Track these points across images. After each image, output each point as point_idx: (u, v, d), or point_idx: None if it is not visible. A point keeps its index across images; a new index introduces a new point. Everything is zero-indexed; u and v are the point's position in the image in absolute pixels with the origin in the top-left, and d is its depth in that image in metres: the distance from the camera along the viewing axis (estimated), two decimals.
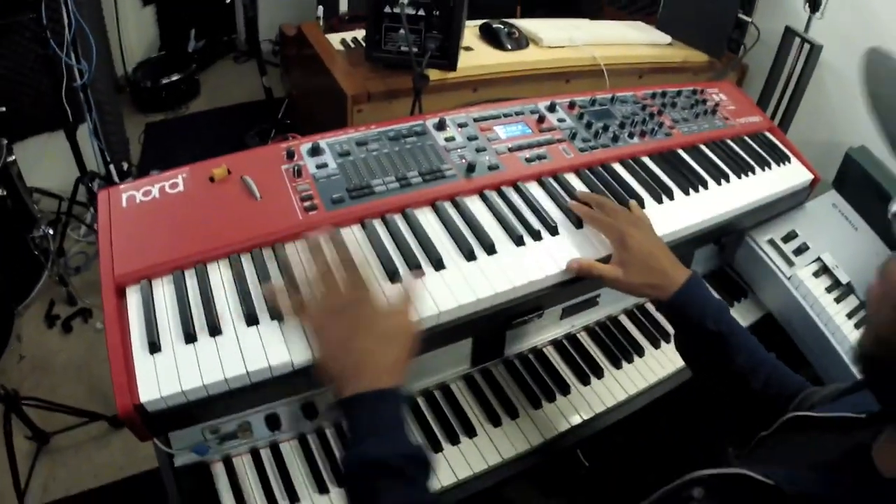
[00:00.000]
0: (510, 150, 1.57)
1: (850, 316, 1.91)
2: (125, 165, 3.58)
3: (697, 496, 0.90)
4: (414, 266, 1.25)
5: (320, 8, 2.62)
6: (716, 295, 1.36)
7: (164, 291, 1.17)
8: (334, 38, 2.32)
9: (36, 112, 3.27)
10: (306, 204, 1.32)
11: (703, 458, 1.42)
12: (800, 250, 1.98)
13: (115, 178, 3.37)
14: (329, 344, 1.04)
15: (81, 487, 2.54)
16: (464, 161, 1.49)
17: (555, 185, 1.54)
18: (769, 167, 1.92)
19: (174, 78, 4.29)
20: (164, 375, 1.04)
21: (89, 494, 2.53)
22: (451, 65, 2.03)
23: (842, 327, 1.85)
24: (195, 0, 4.56)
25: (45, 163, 3.38)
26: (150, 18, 4.47)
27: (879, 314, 0.76)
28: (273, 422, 1.38)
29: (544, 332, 1.72)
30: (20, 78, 3.14)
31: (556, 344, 1.73)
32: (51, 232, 3.02)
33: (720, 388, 1.36)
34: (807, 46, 2.53)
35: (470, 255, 1.30)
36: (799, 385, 1.27)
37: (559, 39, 2.41)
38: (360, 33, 2.37)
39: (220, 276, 1.20)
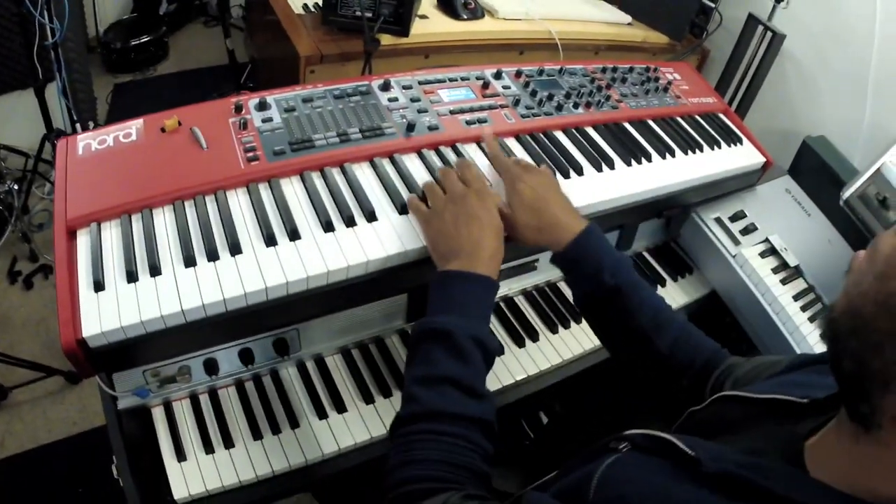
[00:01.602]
0: (451, 112, 1.59)
1: (796, 298, 1.92)
2: (91, 124, 3.55)
3: (622, 448, 0.90)
4: (346, 218, 1.29)
5: None
6: (617, 250, 1.36)
7: (111, 234, 1.21)
8: (297, 3, 2.33)
9: (6, 70, 3.27)
10: (249, 155, 1.35)
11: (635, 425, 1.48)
12: (747, 230, 2.00)
13: None
14: (444, 224, 1.21)
15: (36, 442, 2.57)
16: (404, 120, 1.52)
17: None
18: (718, 146, 1.94)
19: (144, 39, 4.28)
20: (105, 312, 1.08)
21: (42, 450, 2.56)
22: (404, 31, 2.06)
23: (787, 308, 1.86)
24: None
25: (14, 121, 3.38)
26: None
27: (860, 283, 0.71)
28: (211, 367, 1.41)
29: None
30: None
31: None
32: (16, 188, 3.03)
33: (623, 350, 1.31)
34: (769, 35, 2.56)
35: (402, 209, 1.34)
36: (712, 350, 1.23)
37: (515, 12, 2.43)
38: None
39: (164, 221, 1.24)
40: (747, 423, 0.94)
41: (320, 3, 2.36)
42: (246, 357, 1.43)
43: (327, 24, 2.09)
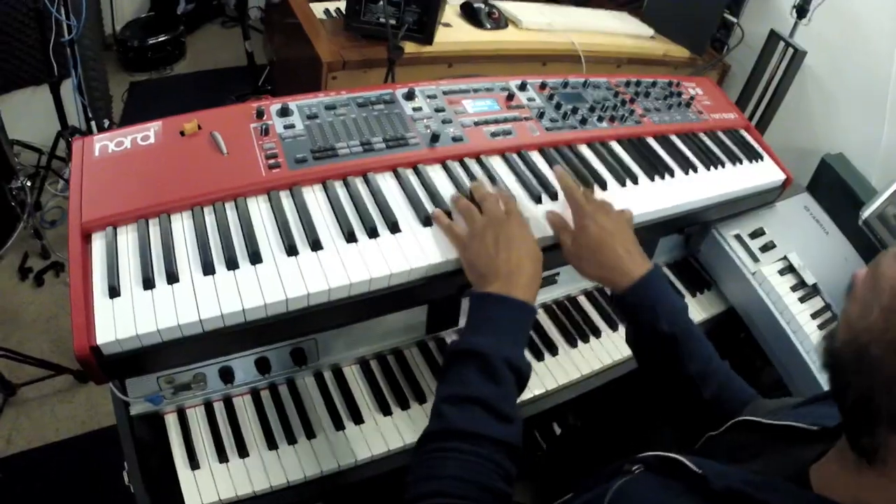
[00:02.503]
0: (476, 123, 1.58)
1: (814, 316, 1.91)
2: (106, 122, 3.56)
3: (635, 470, 0.93)
4: (369, 229, 1.27)
5: None
6: (675, 294, 1.32)
7: (127, 239, 1.19)
8: (318, 7, 2.32)
9: (22, 66, 3.26)
10: (270, 162, 1.33)
11: (649, 441, 1.46)
12: (766, 248, 1.99)
13: None
14: (485, 245, 1.20)
15: (43, 441, 2.56)
16: (428, 131, 1.50)
17: (518, 161, 1.55)
18: (740, 163, 1.92)
19: (161, 39, 4.27)
20: (120, 319, 1.06)
21: (49, 448, 2.54)
22: (428, 39, 2.05)
23: (804, 327, 1.85)
24: None
25: (28, 116, 3.37)
26: None
27: (865, 317, 0.70)
28: (227, 375, 1.39)
29: None
30: (9, 30, 3.11)
31: None
32: (29, 184, 3.01)
33: (668, 391, 1.31)
34: (790, 51, 2.54)
35: (426, 221, 1.32)
36: (749, 397, 1.23)
37: (539, 23, 2.41)
38: (343, 3, 2.37)
39: (182, 227, 1.22)
40: (760, 448, 0.95)
41: (342, 8, 2.35)
42: (262, 366, 1.41)
43: (349, 31, 2.08)
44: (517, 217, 1.27)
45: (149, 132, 1.37)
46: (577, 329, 1.77)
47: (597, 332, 1.78)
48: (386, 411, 1.46)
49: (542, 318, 1.78)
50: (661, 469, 0.89)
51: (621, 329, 1.80)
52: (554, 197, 1.49)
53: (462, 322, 1.65)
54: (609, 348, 1.76)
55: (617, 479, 0.88)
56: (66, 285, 3.10)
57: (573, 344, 1.73)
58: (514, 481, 0.99)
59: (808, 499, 0.75)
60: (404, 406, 1.48)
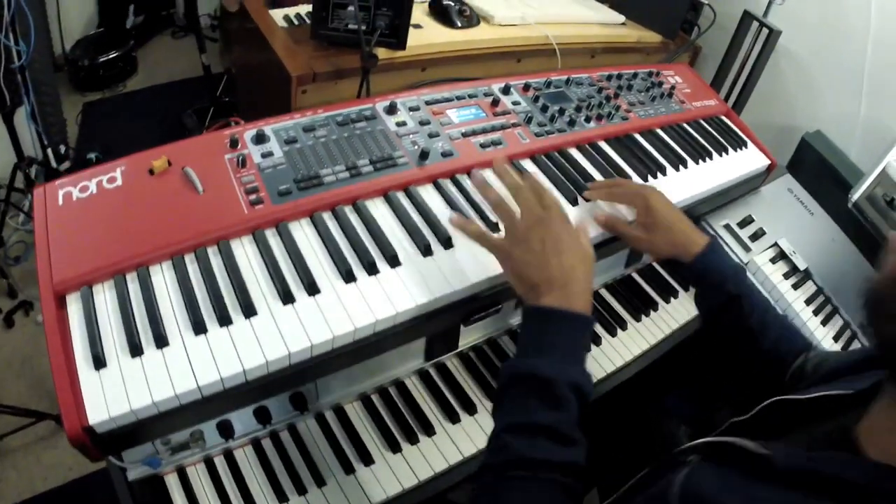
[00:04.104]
0: (464, 135, 1.51)
1: (808, 302, 1.93)
2: (63, 148, 3.45)
3: (692, 461, 0.96)
4: (368, 265, 1.19)
5: None
6: (732, 259, 1.46)
7: (105, 298, 1.09)
8: (277, 14, 2.22)
9: None
10: (252, 197, 1.24)
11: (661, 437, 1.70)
12: (756, 235, 2.00)
13: (53, 163, 3.25)
14: (531, 251, 1.10)
15: (32, 491, 2.47)
16: (416, 147, 1.43)
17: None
18: (726, 152, 1.91)
19: (112, 55, 4.14)
20: (111, 393, 0.97)
21: (39, 500, 2.46)
22: (401, 44, 1.95)
23: (801, 314, 1.87)
24: None
25: None
26: None
27: None
28: (226, 429, 1.30)
29: (499, 322, 1.66)
30: None
31: (512, 333, 1.67)
32: None
33: (731, 345, 1.43)
34: (764, 31, 2.51)
35: (426, 251, 1.24)
36: (804, 345, 1.37)
37: (511, 17, 2.34)
38: (303, 8, 2.27)
39: (163, 279, 1.13)
40: (795, 424, 0.99)
41: (302, 14, 2.26)
42: (262, 415, 1.33)
43: (316, 39, 1.98)
44: (558, 211, 1.16)
45: (114, 173, 1.26)
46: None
47: (597, 341, 1.72)
48: (395, 448, 1.38)
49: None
50: (716, 456, 0.93)
51: (620, 333, 1.75)
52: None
53: (462, 343, 1.59)
54: (611, 354, 1.70)
55: (677, 471, 0.88)
56: (37, 324, 3.01)
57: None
58: (581, 496, 0.97)
59: (874, 468, 0.76)
60: (413, 440, 1.40)
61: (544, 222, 1.12)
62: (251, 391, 1.06)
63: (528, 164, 1.53)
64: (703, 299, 1.46)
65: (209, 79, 3.57)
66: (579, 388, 1.00)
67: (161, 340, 1.03)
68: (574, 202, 1.47)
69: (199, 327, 1.06)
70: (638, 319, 1.79)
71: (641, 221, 1.42)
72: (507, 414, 1.00)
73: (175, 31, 4.85)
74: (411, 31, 1.99)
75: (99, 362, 1.00)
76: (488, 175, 1.31)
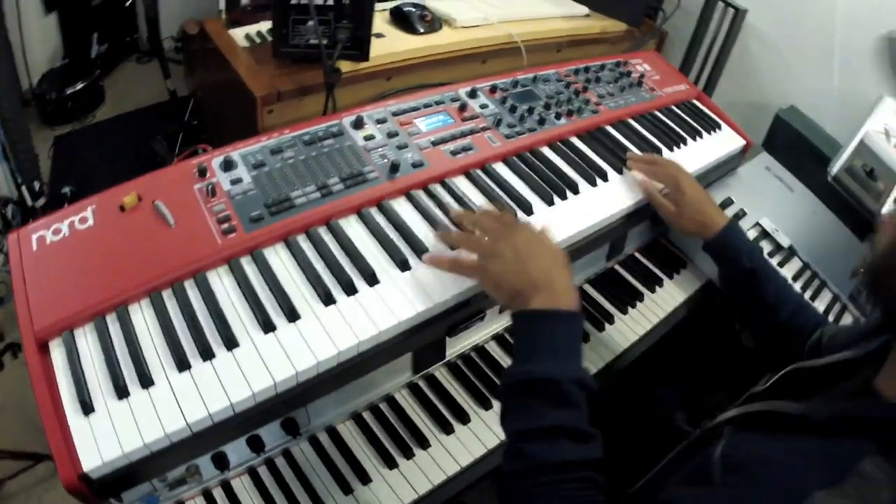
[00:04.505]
0: (433, 143, 1.49)
1: (795, 278, 1.92)
2: (37, 185, 3.40)
3: (727, 433, 1.04)
4: (346, 286, 1.18)
5: (222, 0, 2.49)
6: (750, 237, 1.62)
7: (87, 342, 1.07)
8: (238, 34, 2.18)
9: None
10: (224, 226, 1.22)
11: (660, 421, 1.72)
12: (737, 217, 1.98)
13: (29, 201, 3.21)
14: (506, 261, 1.12)
15: None
16: (386, 161, 1.41)
17: (483, 176, 1.48)
18: (700, 136, 1.91)
19: (79, 87, 4.08)
20: (102, 439, 0.96)
21: None
22: (364, 55, 1.93)
23: None
24: (97, 3, 4.35)
25: None
26: (53, 26, 4.24)
27: (892, 232, 0.91)
28: (221, 460, 1.28)
29: (485, 329, 1.65)
30: None
31: (499, 339, 1.66)
32: None
33: (751, 317, 1.60)
34: (731, 11, 2.51)
35: (403, 265, 1.23)
36: (820, 320, 1.50)
37: (473, 19, 2.31)
38: (264, 26, 2.23)
39: (143, 318, 1.11)
40: (813, 389, 1.06)
41: (263, 32, 2.23)
42: (255, 444, 1.31)
43: (278, 57, 1.95)
44: (523, 223, 1.22)
45: (86, 213, 1.24)
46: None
47: (585, 338, 1.71)
48: (391, 464, 1.36)
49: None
50: (750, 424, 1.04)
51: (608, 327, 1.75)
52: (528, 211, 1.42)
53: (449, 353, 1.58)
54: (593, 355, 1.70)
55: (713, 445, 0.95)
56: (26, 366, 2.95)
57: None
58: (604, 486, 0.98)
59: (892, 409, 0.89)
60: (409, 455, 1.38)
61: (510, 233, 1.16)
62: (241, 423, 1.05)
63: (500, 168, 1.52)
64: (722, 274, 1.61)
65: (176, 104, 3.53)
66: (584, 383, 1.02)
67: (146, 380, 1.02)
68: (550, 202, 1.47)
69: (182, 364, 1.04)
70: (624, 312, 1.79)
71: (672, 198, 1.57)
72: (518, 421, 1.02)
73: (140, 56, 4.79)
74: (374, 40, 1.97)
75: (87, 408, 0.98)
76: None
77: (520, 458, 0.98)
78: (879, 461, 0.79)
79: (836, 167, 1.92)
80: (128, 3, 4.29)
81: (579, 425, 0.99)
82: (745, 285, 1.54)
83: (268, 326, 1.10)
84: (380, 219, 1.32)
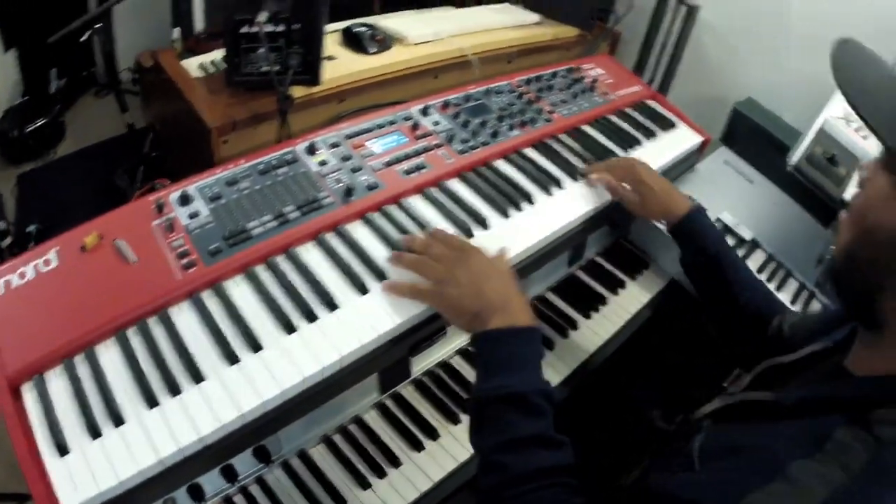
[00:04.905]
0: (387, 164, 1.51)
1: (760, 270, 1.93)
2: (3, 224, 3.38)
3: (705, 426, 1.05)
4: (306, 313, 1.19)
5: (176, 30, 2.48)
6: (714, 224, 1.62)
7: (58, 384, 1.08)
8: (192, 63, 2.18)
9: None
10: (184, 261, 1.23)
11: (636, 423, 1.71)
12: None
13: None
14: (461, 286, 1.16)
15: None
16: (341, 185, 1.43)
17: (439, 194, 1.50)
18: (656, 136, 1.93)
19: (39, 123, 4.06)
20: (79, 478, 0.97)
21: None
22: (315, 79, 1.94)
23: None
24: (55, 37, 4.32)
25: None
26: (12, 63, 4.22)
27: (847, 232, 0.93)
28: (196, 492, 1.28)
29: (448, 344, 1.66)
30: None
31: (463, 353, 1.67)
32: None
33: (712, 302, 1.60)
34: (683, 8, 2.54)
35: (362, 289, 1.24)
36: (779, 307, 1.51)
37: (424, 35, 2.33)
38: (218, 54, 2.23)
39: (110, 358, 1.11)
40: (789, 380, 1.10)
41: (218, 60, 2.24)
42: (229, 474, 1.31)
43: (232, 86, 1.96)
44: (472, 247, 1.25)
45: (49, 255, 1.24)
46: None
47: (549, 345, 1.73)
48: (364, 485, 1.38)
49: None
50: (727, 416, 1.06)
51: (571, 334, 1.76)
52: (484, 225, 1.44)
53: (415, 370, 1.59)
54: (558, 362, 1.71)
55: (693, 438, 0.98)
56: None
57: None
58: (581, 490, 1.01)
59: (864, 381, 0.93)
60: (381, 475, 1.40)
61: (462, 258, 1.21)
62: (213, 455, 1.06)
63: (454, 184, 1.54)
64: (685, 258, 1.61)
65: (134, 137, 3.52)
66: (548, 395, 1.07)
67: (117, 419, 1.03)
68: (505, 215, 1.48)
69: (151, 401, 1.05)
70: (588, 317, 1.81)
71: (634, 190, 1.60)
72: (492, 435, 1.04)
73: (98, 90, 4.77)
74: (326, 63, 1.98)
75: (63, 449, 0.99)
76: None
77: (498, 470, 1.00)
78: (852, 429, 0.83)
79: (795, 156, 1.95)
80: (83, 39, 4.27)
81: (551, 433, 1.03)
82: (707, 269, 1.56)
83: (232, 359, 1.10)
84: (337, 244, 1.33)
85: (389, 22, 2.38)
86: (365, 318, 1.21)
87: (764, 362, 1.20)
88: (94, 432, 1.01)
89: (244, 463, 1.35)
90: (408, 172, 1.50)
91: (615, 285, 1.92)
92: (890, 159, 0.88)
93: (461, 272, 1.17)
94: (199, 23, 2.54)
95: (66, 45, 4.30)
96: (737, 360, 1.34)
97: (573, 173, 1.65)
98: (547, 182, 1.59)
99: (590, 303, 1.85)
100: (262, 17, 1.76)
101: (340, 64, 2.13)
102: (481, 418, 1.08)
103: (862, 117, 0.89)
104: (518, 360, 1.09)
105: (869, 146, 2.02)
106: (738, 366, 1.30)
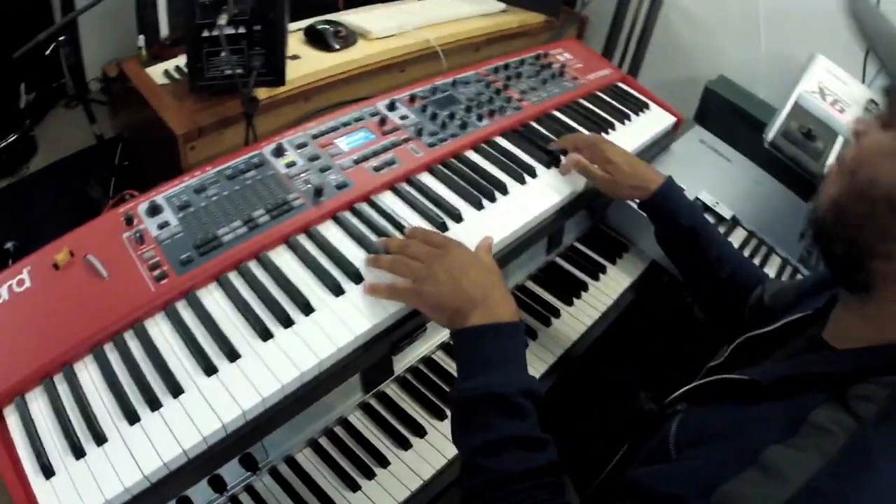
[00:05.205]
0: (356, 162, 1.49)
1: (741, 248, 1.93)
2: None
3: (682, 409, 1.05)
4: (282, 318, 1.17)
5: (141, 37, 2.45)
6: (687, 197, 1.59)
7: (39, 405, 1.07)
8: (157, 71, 2.15)
9: None
10: (156, 273, 1.21)
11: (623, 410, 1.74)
12: None
13: None
14: (440, 283, 1.13)
15: None
16: (310, 186, 1.41)
17: (409, 189, 1.48)
18: (628, 119, 1.92)
19: (11, 139, 4.02)
20: (65, 498, 0.96)
21: None
22: (280, 80, 1.92)
23: None
24: (19, 53, 4.27)
25: None
26: None
27: (837, 183, 0.89)
28: None
29: (431, 339, 1.65)
30: None
31: (445, 347, 1.66)
32: None
33: (692, 277, 1.59)
34: None
35: (337, 290, 1.23)
36: (760, 277, 1.51)
37: (388, 29, 2.31)
38: (183, 60, 2.20)
39: (89, 376, 1.10)
40: (770, 351, 1.09)
41: (181, 66, 2.21)
42: (217, 484, 1.30)
43: (196, 92, 1.94)
44: (452, 242, 1.22)
45: (22, 275, 1.22)
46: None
47: (533, 335, 1.72)
48: (354, 487, 1.37)
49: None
50: (703, 398, 1.04)
51: (553, 323, 1.75)
52: (457, 218, 1.42)
53: (398, 368, 1.58)
54: (542, 351, 1.71)
55: (670, 421, 0.98)
56: None
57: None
58: (566, 487, 1.00)
59: (844, 354, 0.92)
60: (370, 476, 1.39)
61: (441, 254, 1.18)
62: (198, 468, 1.05)
63: (425, 178, 1.52)
64: (659, 233, 1.59)
65: (105, 147, 3.48)
66: (532, 392, 1.03)
67: (99, 438, 1.01)
68: (479, 206, 1.46)
69: (132, 417, 1.03)
70: (570, 304, 1.80)
71: (604, 168, 1.56)
72: (474, 437, 1.02)
73: (68, 101, 4.73)
74: (289, 63, 1.96)
75: (48, 471, 0.98)
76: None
77: (481, 472, 0.98)
78: (829, 409, 0.81)
79: (772, 132, 1.93)
80: (47, 52, 4.22)
81: (534, 433, 1.00)
82: (683, 243, 1.54)
83: (210, 369, 1.09)
84: (309, 246, 1.32)
85: (353, 17, 2.35)
86: (341, 321, 1.19)
87: (743, 335, 1.19)
88: (78, 452, 1.00)
89: (231, 473, 1.33)
90: (377, 169, 1.48)
91: (596, 270, 1.92)
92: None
93: (439, 268, 1.15)
94: (163, 29, 2.52)
95: (33, 59, 4.27)
96: (724, 337, 1.31)
97: (546, 161, 1.63)
98: (519, 171, 1.57)
99: (571, 289, 1.84)
100: (223, 19, 1.73)
101: (305, 63, 2.11)
102: (463, 418, 1.06)
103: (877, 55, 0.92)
104: (499, 356, 1.06)
105: (845, 119, 2.03)
106: (727, 343, 1.27)
